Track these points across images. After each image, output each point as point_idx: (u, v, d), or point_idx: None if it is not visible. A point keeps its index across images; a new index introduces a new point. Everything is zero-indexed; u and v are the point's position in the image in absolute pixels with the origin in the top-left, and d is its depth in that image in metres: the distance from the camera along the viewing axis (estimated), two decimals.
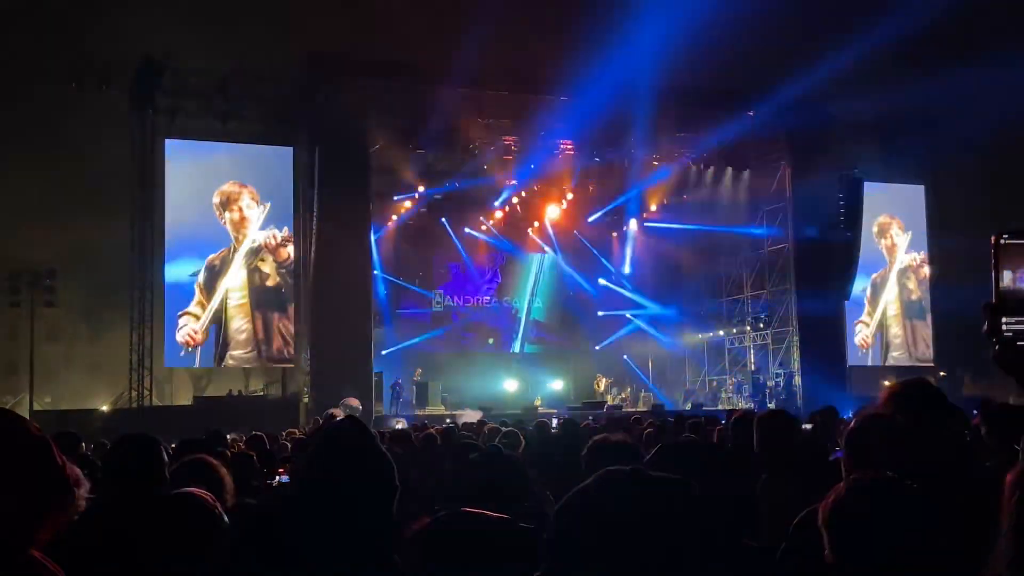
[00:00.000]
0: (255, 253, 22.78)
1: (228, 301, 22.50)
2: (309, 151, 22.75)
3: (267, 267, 22.86)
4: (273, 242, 22.83)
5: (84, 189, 21.75)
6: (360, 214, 22.75)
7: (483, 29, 20.28)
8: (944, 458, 2.96)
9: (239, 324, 22.55)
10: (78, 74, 21.23)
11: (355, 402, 20.07)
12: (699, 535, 1.41)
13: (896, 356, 27.91)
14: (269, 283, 22.87)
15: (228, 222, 22.67)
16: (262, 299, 22.76)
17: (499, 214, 28.23)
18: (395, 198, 26.52)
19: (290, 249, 22.92)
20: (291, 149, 23.30)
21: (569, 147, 24.37)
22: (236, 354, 22.56)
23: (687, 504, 1.42)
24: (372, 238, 24.13)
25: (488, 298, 30.00)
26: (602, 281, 30.22)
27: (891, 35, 20.83)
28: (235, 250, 22.67)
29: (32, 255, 21.51)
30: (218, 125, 22.52)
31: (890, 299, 28.13)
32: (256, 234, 22.80)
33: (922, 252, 28.49)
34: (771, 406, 23.41)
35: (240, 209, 22.73)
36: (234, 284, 22.56)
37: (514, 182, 26.51)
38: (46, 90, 21.47)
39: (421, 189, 26.08)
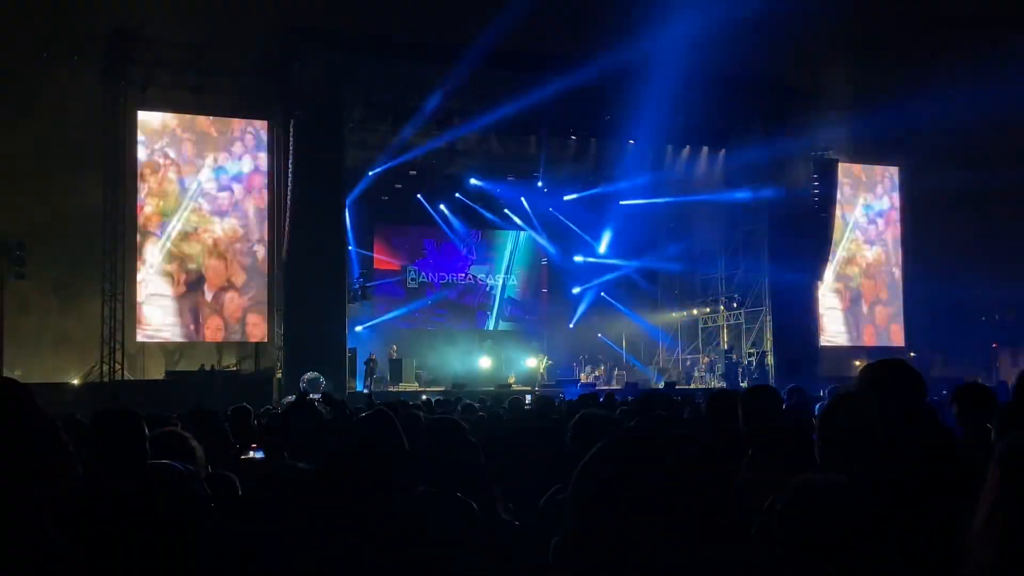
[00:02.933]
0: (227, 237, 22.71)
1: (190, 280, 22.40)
2: (283, 124, 22.57)
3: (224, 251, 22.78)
4: (227, 240, 22.74)
5: (55, 160, 21.45)
6: (334, 188, 22.64)
7: (458, 5, 20.21)
8: (922, 438, 2.99)
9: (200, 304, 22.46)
10: (48, 43, 20.94)
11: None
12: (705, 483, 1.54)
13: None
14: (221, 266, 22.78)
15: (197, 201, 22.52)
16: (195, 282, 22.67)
17: (472, 190, 28.19)
18: (370, 173, 26.39)
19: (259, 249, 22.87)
20: (265, 122, 23.13)
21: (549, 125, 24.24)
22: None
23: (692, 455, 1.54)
24: (347, 213, 24.06)
25: (463, 274, 30.02)
26: (578, 258, 30.26)
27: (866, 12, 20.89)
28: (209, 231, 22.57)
29: (1, 226, 21.24)
30: (191, 97, 22.30)
31: (855, 292, 28.24)
32: (221, 220, 22.68)
33: (897, 243, 28.60)
34: (743, 385, 23.64)
35: (208, 190, 22.60)
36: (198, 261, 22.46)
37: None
38: (15, 59, 21.12)
39: (395, 164, 25.92)
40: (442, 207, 28.58)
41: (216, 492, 3.41)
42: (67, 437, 2.02)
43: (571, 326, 30.12)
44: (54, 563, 1.92)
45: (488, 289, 30.35)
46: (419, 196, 27.89)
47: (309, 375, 20.26)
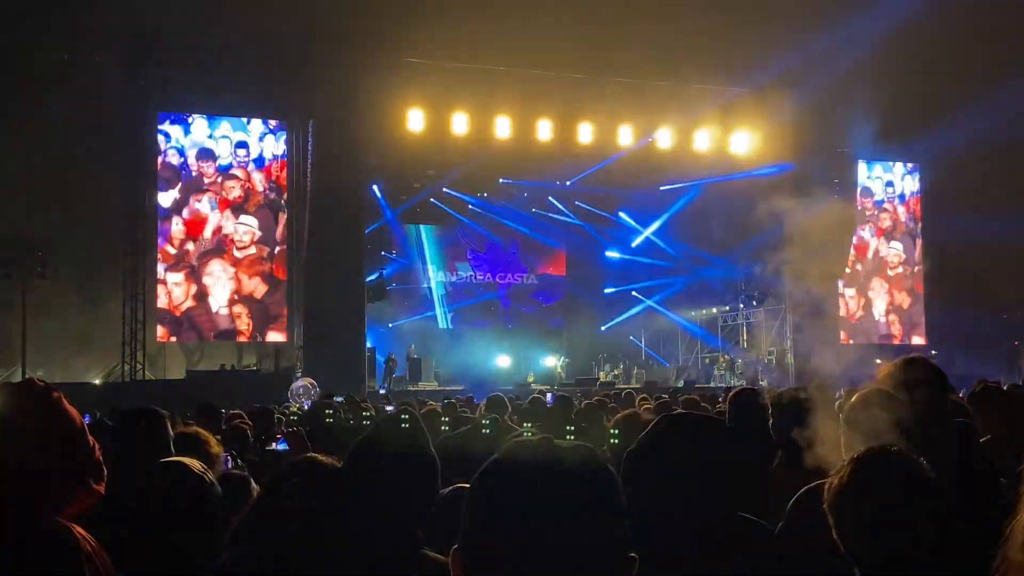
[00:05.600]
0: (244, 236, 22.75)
1: (209, 280, 22.49)
2: (303, 125, 22.63)
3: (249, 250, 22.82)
4: (247, 240, 22.73)
5: (76, 161, 21.56)
6: (353, 189, 22.68)
7: (480, 3, 20.21)
8: (946, 435, 2.98)
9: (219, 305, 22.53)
10: (69, 44, 21.07)
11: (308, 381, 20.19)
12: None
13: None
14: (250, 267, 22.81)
15: (214, 199, 22.56)
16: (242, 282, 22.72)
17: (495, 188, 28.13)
18: (386, 172, 26.38)
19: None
20: (285, 123, 23.20)
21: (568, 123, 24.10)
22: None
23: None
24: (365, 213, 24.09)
25: (482, 272, 30.00)
26: (610, 253, 30.23)
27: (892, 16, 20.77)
28: (226, 229, 22.62)
29: (23, 227, 21.38)
30: (211, 97, 22.41)
31: (876, 290, 28.00)
32: (239, 221, 22.73)
33: (918, 240, 28.33)
34: (763, 383, 23.50)
35: (225, 189, 22.65)
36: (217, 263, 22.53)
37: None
38: (37, 60, 21.26)
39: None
40: (467, 206, 28.59)
41: (228, 491, 3.41)
42: (95, 444, 2.03)
43: (603, 328, 30.12)
44: (83, 561, 1.93)
45: (505, 287, 30.33)
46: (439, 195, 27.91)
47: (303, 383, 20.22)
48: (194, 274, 22.39)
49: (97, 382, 21.32)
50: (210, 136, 22.69)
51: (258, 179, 22.90)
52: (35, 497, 1.89)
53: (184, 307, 22.32)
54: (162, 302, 22.15)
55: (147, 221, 22.07)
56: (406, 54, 22.17)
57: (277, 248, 22.99)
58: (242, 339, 23.05)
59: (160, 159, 22.34)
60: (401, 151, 24.70)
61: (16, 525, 1.86)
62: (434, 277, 29.62)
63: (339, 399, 9.82)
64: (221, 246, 22.57)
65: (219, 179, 22.61)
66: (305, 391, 19.36)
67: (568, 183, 28.02)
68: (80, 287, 22.53)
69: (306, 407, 10.48)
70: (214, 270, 22.49)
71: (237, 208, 22.71)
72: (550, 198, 28.90)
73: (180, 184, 22.38)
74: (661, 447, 2.34)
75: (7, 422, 1.94)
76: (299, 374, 21.64)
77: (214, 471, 3.44)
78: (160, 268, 22.20)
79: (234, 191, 22.70)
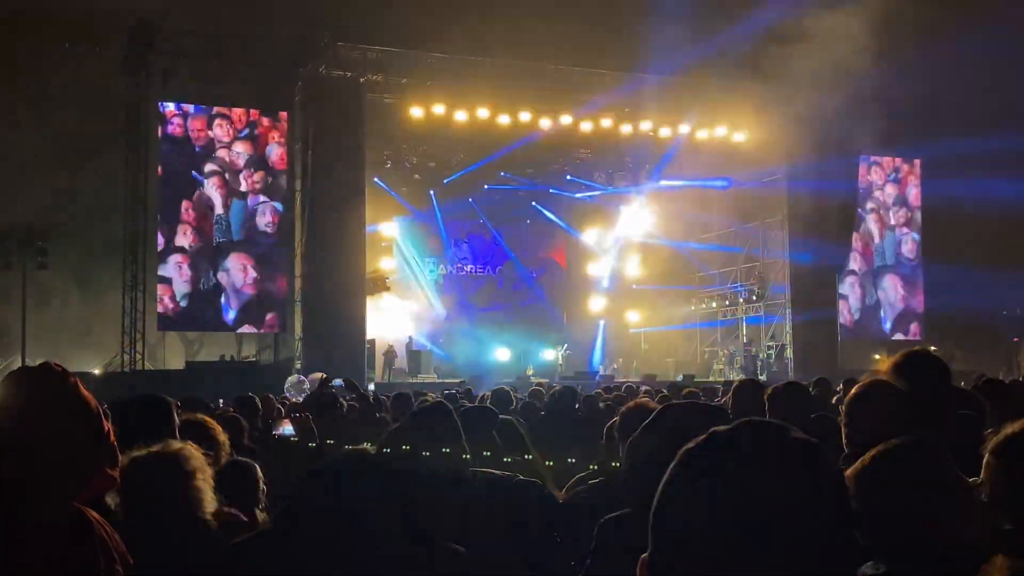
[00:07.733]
0: (245, 225, 22.71)
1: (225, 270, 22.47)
2: (303, 115, 22.60)
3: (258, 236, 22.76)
4: (247, 226, 22.69)
5: (76, 150, 21.60)
6: (354, 179, 22.63)
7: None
8: (949, 426, 2.99)
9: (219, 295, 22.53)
10: (71, 33, 21.04)
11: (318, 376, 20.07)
12: None
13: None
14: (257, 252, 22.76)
15: (215, 186, 22.50)
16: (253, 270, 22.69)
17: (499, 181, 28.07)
18: (387, 164, 26.36)
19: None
20: (285, 113, 23.15)
21: (568, 116, 24.07)
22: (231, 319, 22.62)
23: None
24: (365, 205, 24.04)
25: (483, 265, 30.00)
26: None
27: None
28: (226, 218, 22.56)
29: (23, 216, 21.39)
30: (212, 87, 22.35)
31: (875, 285, 27.98)
32: (238, 207, 22.68)
33: (918, 235, 28.32)
34: (762, 378, 23.53)
35: (227, 178, 22.59)
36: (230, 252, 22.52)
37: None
38: (38, 50, 21.26)
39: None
40: (467, 198, 28.56)
41: (235, 476, 3.42)
42: (110, 430, 2.05)
43: (601, 323, 30.18)
44: (97, 544, 1.94)
45: (509, 279, 30.34)
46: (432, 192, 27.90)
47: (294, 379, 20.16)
48: (193, 263, 22.31)
49: (96, 372, 21.31)
50: (212, 122, 22.59)
51: (258, 169, 22.84)
52: (50, 480, 1.91)
53: (183, 297, 22.24)
54: (162, 292, 22.09)
55: (147, 212, 22.03)
56: (408, 47, 22.17)
57: (277, 238, 22.94)
58: (241, 329, 23.01)
59: (161, 130, 22.14)
60: (402, 143, 24.74)
61: (32, 508, 1.88)
62: (436, 269, 29.62)
63: (338, 383, 9.83)
64: (219, 235, 22.49)
65: (217, 165, 22.50)
66: (298, 386, 19.32)
67: (568, 177, 28.04)
68: (80, 278, 22.55)
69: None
70: (213, 259, 22.43)
71: (237, 195, 22.63)
72: (551, 190, 28.85)
73: (179, 160, 22.23)
74: (664, 436, 2.34)
75: (24, 405, 1.96)
76: (298, 366, 21.64)
77: (221, 458, 3.45)
78: (159, 258, 22.12)
79: (233, 177, 22.60)
